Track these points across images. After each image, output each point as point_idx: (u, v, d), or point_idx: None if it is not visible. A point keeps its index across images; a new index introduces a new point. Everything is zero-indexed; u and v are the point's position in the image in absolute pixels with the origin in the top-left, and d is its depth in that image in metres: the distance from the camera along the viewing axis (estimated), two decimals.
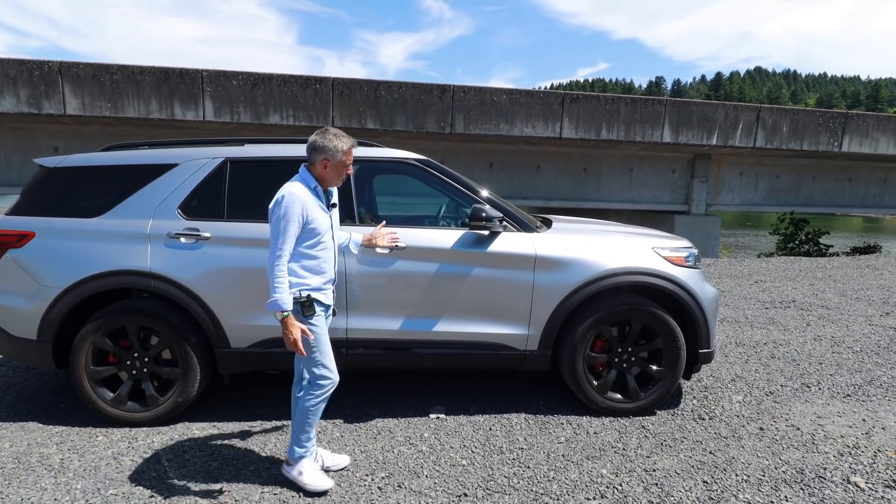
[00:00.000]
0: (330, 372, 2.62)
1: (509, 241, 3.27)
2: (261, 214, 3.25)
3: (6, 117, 9.93)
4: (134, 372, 3.24)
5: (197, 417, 3.38)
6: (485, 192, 3.43)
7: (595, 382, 3.38)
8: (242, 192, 3.32)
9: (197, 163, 3.34)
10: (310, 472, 2.65)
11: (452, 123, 10.92)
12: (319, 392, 2.60)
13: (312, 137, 2.54)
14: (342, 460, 2.92)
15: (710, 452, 2.95)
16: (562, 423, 3.29)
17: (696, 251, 3.57)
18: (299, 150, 3.38)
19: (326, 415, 3.42)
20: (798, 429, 3.22)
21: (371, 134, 10.94)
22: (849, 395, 3.74)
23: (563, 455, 2.92)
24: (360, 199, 3.40)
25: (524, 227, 3.35)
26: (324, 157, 2.51)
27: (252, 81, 10.15)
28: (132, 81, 9.81)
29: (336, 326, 3.21)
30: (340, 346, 3.25)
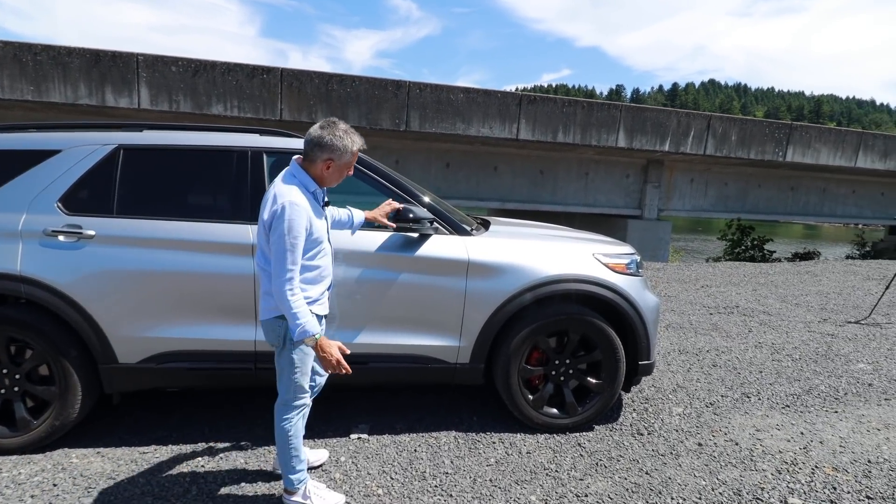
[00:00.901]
0: (306, 394, 2.38)
1: (440, 245, 3.00)
2: (158, 210, 2.91)
3: None
4: (2, 391, 2.79)
5: (80, 442, 2.96)
6: (415, 190, 3.15)
7: (530, 397, 3.15)
8: (137, 185, 2.93)
9: (84, 149, 2.92)
10: (317, 494, 2.41)
11: (408, 121, 10.62)
12: (295, 413, 2.35)
13: (317, 132, 2.20)
14: (321, 455, 2.77)
15: (647, 473, 2.76)
16: (493, 443, 3.04)
17: (638, 258, 3.40)
18: (207, 139, 3.02)
19: (234, 436, 3.07)
20: (737, 444, 3.09)
21: None
22: (787, 406, 3.65)
23: (490, 480, 2.67)
24: None
25: (457, 229, 3.09)
26: (328, 157, 2.20)
27: (193, 68, 9.56)
28: (58, 63, 9.06)
29: (244, 338, 2.87)
30: (248, 360, 2.91)
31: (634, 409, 3.54)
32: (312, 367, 2.51)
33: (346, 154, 2.22)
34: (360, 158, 3.11)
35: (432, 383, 3.45)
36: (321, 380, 2.65)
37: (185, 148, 2.98)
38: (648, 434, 3.20)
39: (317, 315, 2.29)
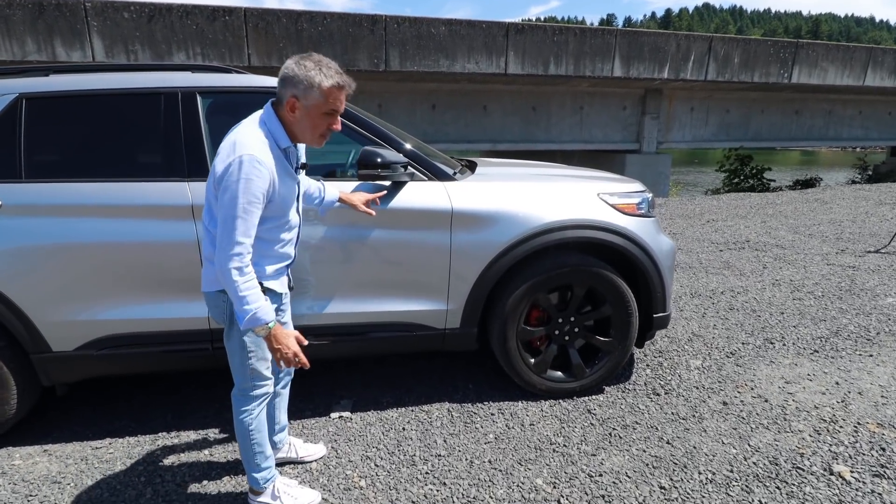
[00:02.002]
0: (266, 380, 1.96)
1: (417, 194, 2.53)
2: (75, 171, 2.41)
3: None
4: None
5: (27, 439, 2.61)
6: (392, 134, 2.64)
7: (532, 361, 2.78)
8: (47, 142, 2.42)
9: None
10: (287, 494, 2.06)
11: (387, 60, 9.83)
12: (255, 404, 1.96)
13: (286, 63, 1.71)
14: (316, 451, 2.40)
15: (668, 442, 2.42)
16: (492, 414, 2.69)
17: (650, 196, 2.94)
18: (126, 81, 2.48)
19: (199, 423, 2.71)
20: (766, 400, 2.75)
21: None
22: (816, 352, 3.31)
23: (489, 461, 2.33)
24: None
25: (437, 173, 2.61)
26: (291, 94, 1.68)
27: (148, 14, 8.69)
28: None
29: (195, 315, 2.44)
30: (203, 339, 2.50)
31: (648, 366, 3.18)
32: None
33: (312, 91, 1.66)
34: None
35: (421, 352, 3.07)
36: None
37: (100, 93, 2.45)
38: (666, 394, 2.85)
39: (272, 293, 1.86)
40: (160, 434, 2.62)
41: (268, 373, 1.96)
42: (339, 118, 1.78)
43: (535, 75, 10.82)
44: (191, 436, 2.60)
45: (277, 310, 2.04)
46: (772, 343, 3.45)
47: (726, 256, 5.62)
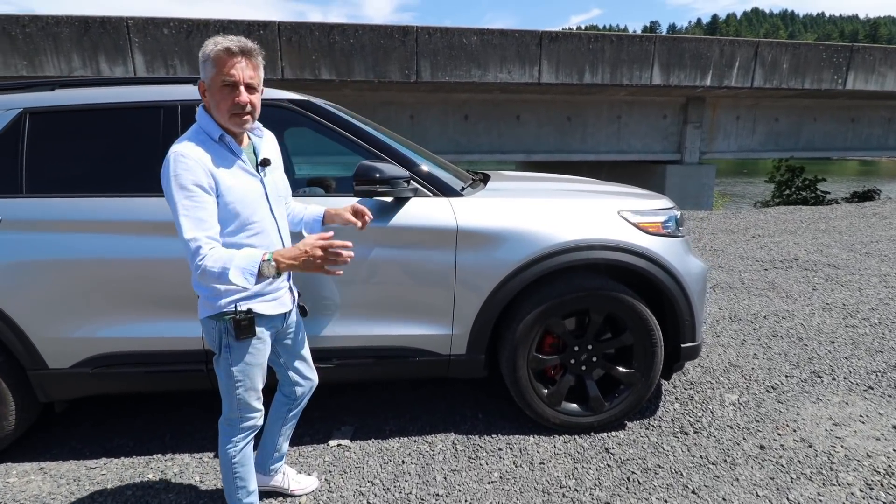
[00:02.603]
0: (255, 413, 1.83)
1: (420, 210, 2.38)
2: (76, 185, 2.38)
3: None
4: None
5: (27, 455, 2.58)
6: (389, 141, 2.51)
7: (545, 391, 2.56)
8: (49, 156, 2.39)
9: None
10: None
11: (418, 70, 9.79)
12: (241, 437, 1.84)
13: None
14: (308, 483, 2.25)
15: (694, 492, 2.16)
16: (499, 449, 2.49)
17: (677, 213, 2.68)
18: (128, 94, 2.45)
19: (196, 445, 2.62)
20: (810, 445, 2.44)
21: (327, 86, 9.84)
22: (870, 389, 2.95)
23: None
24: None
25: (442, 189, 2.45)
26: (200, 77, 1.63)
27: (186, 29, 8.94)
28: (48, 34, 8.61)
29: (190, 335, 2.35)
30: (198, 359, 2.41)
31: (676, 399, 2.91)
32: (298, 371, 1.99)
33: (206, 65, 1.57)
34: (317, 106, 2.47)
35: (425, 378, 2.90)
36: (305, 385, 2.08)
37: (102, 107, 2.42)
38: (695, 433, 2.58)
39: (263, 318, 1.74)
40: (155, 456, 2.54)
41: (257, 404, 1.83)
42: (242, 91, 1.59)
43: (569, 84, 10.56)
44: (185, 459, 2.50)
45: (282, 337, 1.92)
46: (819, 377, 3.11)
47: (772, 276, 5.21)
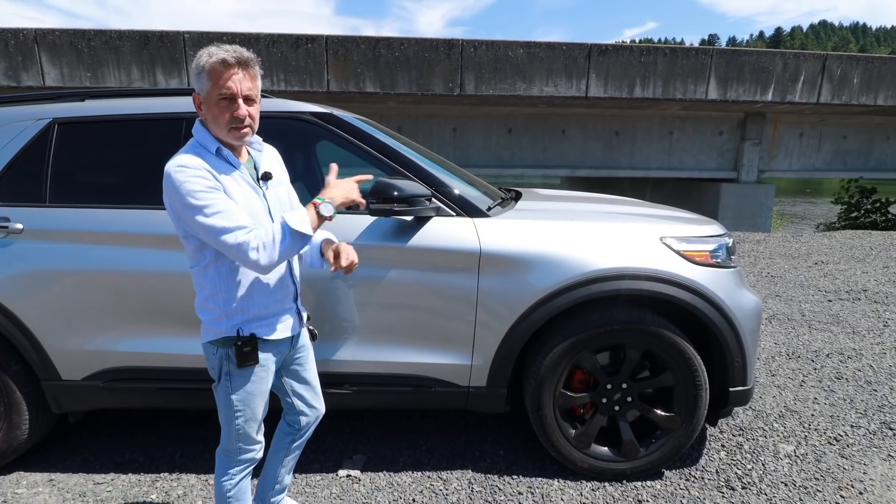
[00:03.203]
0: (255, 445, 1.72)
1: (441, 231, 2.22)
2: (99, 196, 2.36)
3: None
4: None
5: (40, 465, 2.57)
6: (413, 156, 2.37)
7: (572, 432, 2.34)
8: (75, 167, 2.40)
9: (15, 127, 2.42)
10: None
11: (462, 84, 9.72)
12: (239, 469, 1.73)
13: None
14: None
15: None
16: (519, 493, 2.27)
17: (728, 241, 2.41)
18: (155, 105, 2.43)
19: (203, 467, 2.53)
20: None
21: (371, 98, 9.91)
22: None
23: None
24: None
25: (467, 208, 2.28)
26: (196, 90, 1.52)
27: (238, 43, 9.12)
28: (111, 48, 9.07)
29: (194, 353, 2.27)
30: (210, 378, 2.32)
31: (723, 446, 2.61)
32: (304, 399, 1.87)
33: (201, 77, 1.46)
34: (339, 119, 2.37)
35: (441, 410, 2.73)
36: (311, 415, 1.93)
37: (129, 118, 2.40)
38: (743, 489, 2.28)
39: (268, 344, 1.63)
40: (162, 475, 2.47)
41: (258, 436, 1.72)
42: (240, 104, 1.48)
43: (618, 98, 10.22)
44: (191, 480, 2.42)
45: (288, 362, 1.80)
46: (891, 429, 2.73)
47: (836, 309, 4.74)
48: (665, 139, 12.01)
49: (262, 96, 2.51)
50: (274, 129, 2.50)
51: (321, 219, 1.52)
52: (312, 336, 1.89)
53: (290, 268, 1.69)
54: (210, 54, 1.45)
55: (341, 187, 1.59)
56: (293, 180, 3.03)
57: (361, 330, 2.26)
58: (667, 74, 10.14)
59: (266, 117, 2.38)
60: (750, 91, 10.44)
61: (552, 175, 12.70)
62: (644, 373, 2.35)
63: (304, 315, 1.82)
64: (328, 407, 2.04)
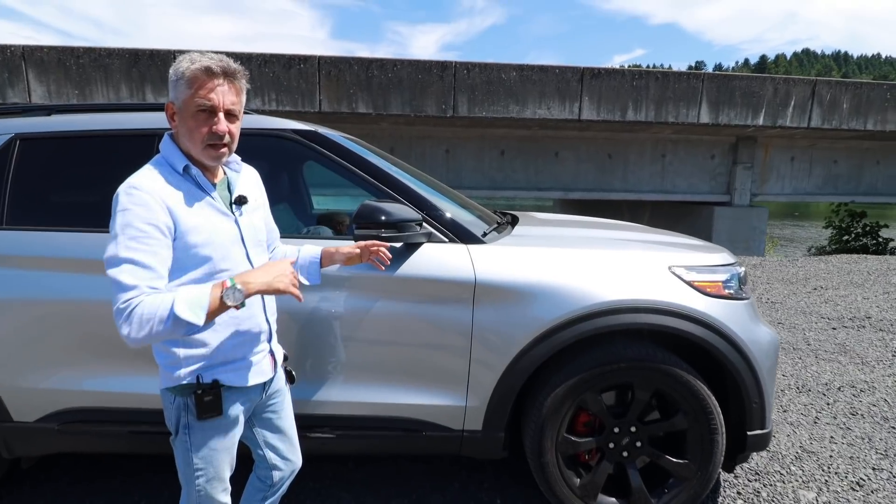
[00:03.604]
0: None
1: (433, 258, 2.04)
2: (60, 218, 2.16)
3: None
4: None
5: None
6: (403, 178, 2.20)
7: (577, 481, 2.13)
8: (38, 185, 2.20)
9: None
10: None
11: (455, 105, 9.66)
12: None
13: None
14: None
15: None
16: None
17: (741, 270, 2.25)
18: (125, 121, 2.25)
19: None
20: None
21: (364, 119, 9.81)
22: None
23: None
24: None
25: (461, 234, 2.11)
26: (170, 98, 1.35)
27: None
28: (99, 66, 8.93)
29: None
30: None
31: (739, 493, 2.40)
32: (277, 451, 1.64)
33: (179, 84, 1.29)
34: (323, 137, 2.21)
35: (433, 455, 2.51)
36: (285, 469, 1.69)
37: (97, 134, 2.22)
38: None
39: (234, 392, 1.42)
40: None
41: (223, 497, 1.49)
42: (221, 118, 1.31)
43: (611, 121, 10.20)
44: None
45: (260, 410, 1.59)
46: None
47: (841, 337, 4.59)
48: (657, 162, 12.00)
49: (244, 113, 2.36)
50: (255, 147, 2.32)
51: (223, 307, 1.22)
52: (290, 378, 1.68)
53: (263, 303, 1.49)
54: (192, 60, 1.29)
55: (268, 271, 1.29)
56: (275, 202, 2.87)
57: (344, 367, 2.06)
58: (659, 98, 10.16)
59: (246, 135, 2.22)
60: (741, 115, 10.47)
61: (545, 197, 12.63)
62: (654, 415, 2.16)
63: (281, 355, 1.62)
64: (307, 452, 1.83)
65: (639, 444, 2.12)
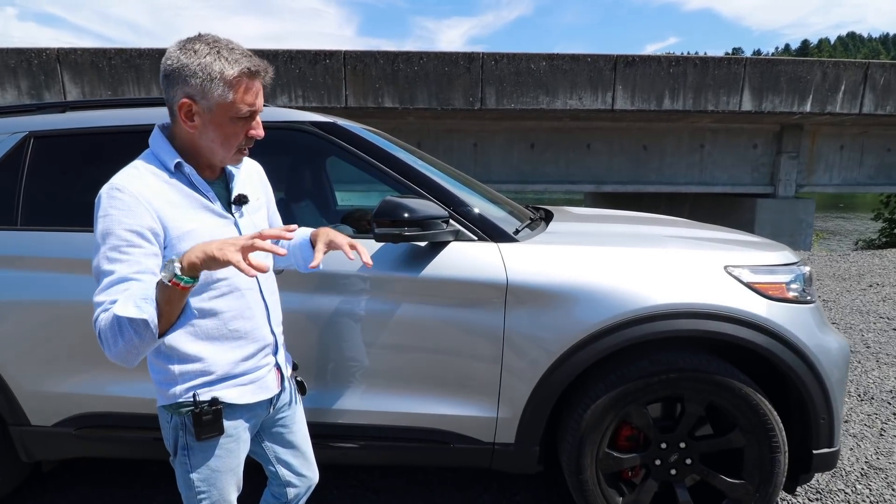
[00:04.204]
0: None
1: (460, 258, 1.88)
2: (75, 218, 2.10)
3: None
4: None
5: None
6: (427, 171, 2.05)
7: (619, 500, 1.94)
8: (52, 184, 2.13)
9: None
10: None
11: (482, 98, 9.45)
12: None
13: (168, 50, 1.17)
14: None
15: None
16: None
17: (805, 270, 2.02)
18: (141, 116, 2.16)
19: None
20: None
21: (390, 114, 9.71)
22: None
23: None
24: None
25: (491, 232, 1.94)
26: (184, 94, 1.13)
27: None
28: (131, 66, 9.07)
29: None
30: None
31: None
32: (290, 467, 1.51)
33: (213, 84, 1.11)
34: (342, 129, 2.07)
35: (462, 468, 2.36)
36: (300, 485, 1.56)
37: (113, 130, 2.14)
38: None
39: (235, 410, 1.29)
40: None
41: None
42: (259, 122, 1.21)
43: (646, 111, 9.81)
44: None
45: (269, 424, 1.46)
46: None
47: None
48: (696, 153, 11.52)
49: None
50: (273, 141, 2.21)
51: (165, 290, 0.99)
52: (301, 389, 1.55)
53: (267, 313, 1.35)
54: (228, 59, 1.12)
55: (212, 244, 1.00)
56: (296, 199, 2.75)
57: (366, 374, 1.92)
58: (697, 85, 9.71)
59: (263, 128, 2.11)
60: (787, 102, 9.93)
61: (576, 191, 12.30)
62: (705, 430, 1.95)
63: (289, 366, 1.48)
64: (330, 462, 1.70)
65: (689, 461, 1.92)
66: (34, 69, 8.97)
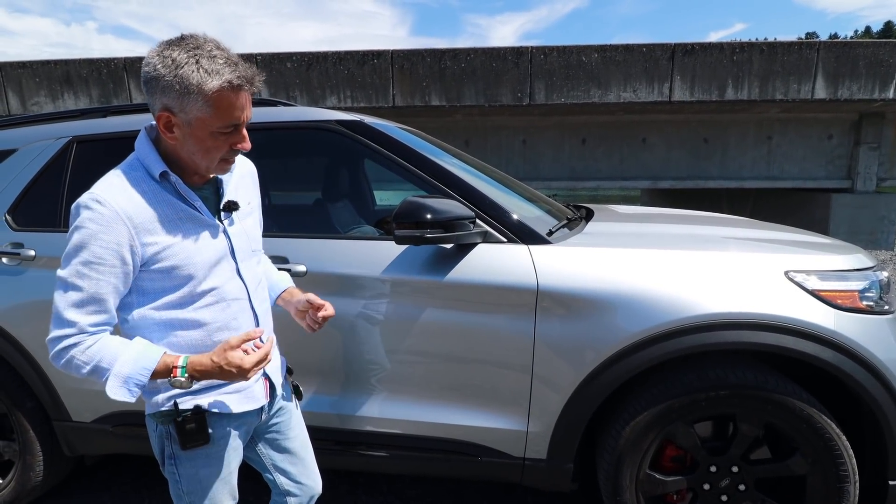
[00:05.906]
0: None
1: (488, 261, 1.77)
2: None
3: None
4: None
5: None
6: (455, 169, 1.95)
7: None
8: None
9: (37, 146, 2.28)
10: None
11: (531, 93, 9.22)
12: None
13: (148, 53, 1.10)
14: None
15: None
16: None
17: (882, 276, 1.77)
18: None
19: None
20: None
21: (437, 112, 9.66)
22: None
23: None
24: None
25: (521, 233, 1.82)
26: (162, 105, 1.07)
27: (307, 62, 9.32)
28: None
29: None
30: None
31: None
32: (289, 475, 1.47)
33: (189, 99, 1.04)
34: (369, 127, 2.00)
35: (490, 481, 2.25)
36: (300, 494, 1.49)
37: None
38: None
39: (222, 418, 1.25)
40: None
41: None
42: (245, 134, 1.14)
43: (707, 102, 9.26)
44: None
45: (262, 430, 1.42)
46: None
47: None
48: (762, 145, 10.77)
49: (284, 104, 2.22)
50: (302, 141, 2.19)
51: (172, 386, 1.12)
52: (297, 393, 1.48)
53: (256, 322, 1.29)
54: (208, 70, 1.04)
55: (222, 355, 1.10)
56: (332, 199, 2.72)
57: (389, 381, 1.85)
58: (764, 73, 9.07)
59: (288, 128, 2.08)
60: (866, 88, 9.10)
61: (631, 187, 11.81)
62: (761, 454, 1.75)
63: (281, 373, 1.42)
64: (358, 470, 1.64)
65: (742, 487, 1.73)
66: (104, 78, 9.55)
